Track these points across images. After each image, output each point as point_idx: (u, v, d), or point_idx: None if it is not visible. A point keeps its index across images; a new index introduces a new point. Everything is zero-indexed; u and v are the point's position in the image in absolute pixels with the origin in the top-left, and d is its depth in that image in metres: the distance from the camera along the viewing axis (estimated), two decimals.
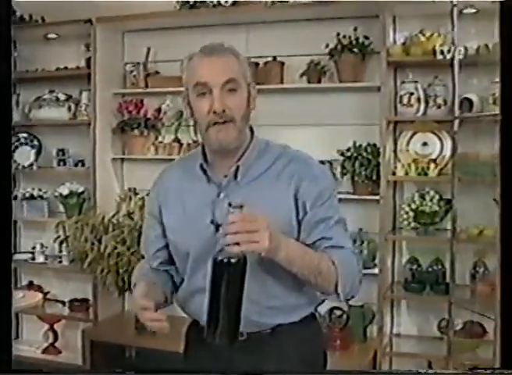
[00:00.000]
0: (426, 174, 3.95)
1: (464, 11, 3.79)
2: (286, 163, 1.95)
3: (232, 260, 1.67)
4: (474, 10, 3.82)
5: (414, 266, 4.07)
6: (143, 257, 2.21)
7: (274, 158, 1.97)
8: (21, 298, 3.14)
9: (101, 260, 4.08)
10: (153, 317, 1.79)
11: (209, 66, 1.88)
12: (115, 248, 4.04)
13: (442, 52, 3.79)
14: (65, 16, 4.50)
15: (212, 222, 1.92)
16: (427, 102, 3.97)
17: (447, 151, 3.99)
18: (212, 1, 4.19)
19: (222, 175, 1.96)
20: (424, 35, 3.92)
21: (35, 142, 4.80)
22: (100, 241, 4.16)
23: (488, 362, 3.80)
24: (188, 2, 4.21)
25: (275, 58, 4.24)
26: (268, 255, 1.72)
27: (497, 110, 3.73)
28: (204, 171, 1.98)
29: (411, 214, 3.96)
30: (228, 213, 1.67)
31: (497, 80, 3.77)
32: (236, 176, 1.94)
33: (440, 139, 4.02)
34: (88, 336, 4.31)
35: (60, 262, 4.70)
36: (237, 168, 1.94)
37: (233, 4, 4.16)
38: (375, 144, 4.07)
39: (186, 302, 2.05)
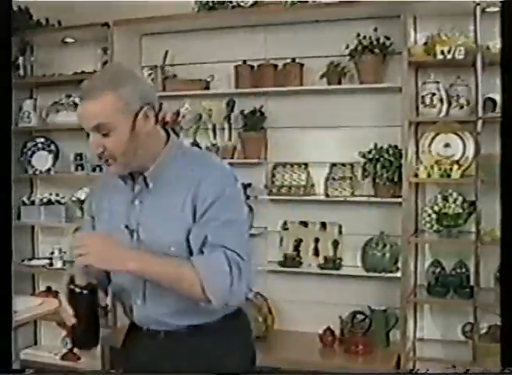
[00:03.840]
0: (449, 176, 3.88)
1: (487, 9, 3.73)
2: (194, 169, 1.98)
3: (85, 291, 1.90)
4: (496, 9, 3.75)
5: (438, 269, 4.01)
6: None
7: (186, 164, 2.01)
8: (39, 305, 3.10)
9: None
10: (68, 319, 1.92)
11: (81, 111, 1.91)
12: None
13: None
14: (81, 20, 4.48)
15: (127, 227, 2.03)
16: (449, 103, 3.92)
17: (470, 153, 3.92)
18: (231, 2, 4.14)
19: (136, 183, 2.04)
20: (445, 35, 3.86)
21: (52, 147, 4.78)
22: None
23: None
24: (207, 3, 4.16)
25: (294, 59, 4.19)
26: (111, 268, 1.91)
27: None
28: (123, 179, 2.05)
29: (434, 216, 3.90)
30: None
31: None
32: (147, 184, 2.01)
33: (463, 140, 3.96)
34: (107, 342, 4.27)
35: None
36: (145, 177, 2.00)
37: (252, 5, 4.12)
38: (396, 146, 4.02)
39: (121, 301, 2.16)
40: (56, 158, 4.76)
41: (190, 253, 1.94)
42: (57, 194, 4.73)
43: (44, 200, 4.70)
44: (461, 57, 3.70)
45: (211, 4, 4.18)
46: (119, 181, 2.04)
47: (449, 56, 3.71)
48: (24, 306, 3.02)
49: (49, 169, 4.73)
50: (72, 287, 1.90)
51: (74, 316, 1.89)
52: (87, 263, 1.82)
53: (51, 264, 4.71)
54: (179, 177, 1.98)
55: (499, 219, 3.65)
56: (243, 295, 1.97)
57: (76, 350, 4.70)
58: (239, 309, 2.13)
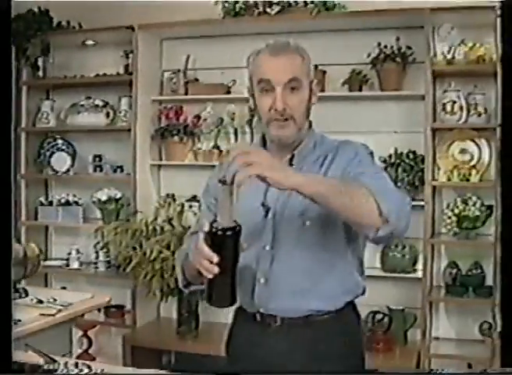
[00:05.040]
0: (468, 180, 4.05)
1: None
2: (335, 155, 2.04)
3: (228, 232, 1.74)
4: None
5: (454, 270, 4.17)
6: None
7: (327, 150, 2.07)
8: (91, 299, 3.15)
9: (145, 265, 4.12)
10: (209, 268, 1.76)
11: (274, 64, 1.96)
12: (161, 252, 4.07)
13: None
14: (101, 23, 4.55)
15: (263, 204, 2.04)
16: (468, 110, 4.09)
17: (485, 158, 4.11)
18: (258, 8, 4.24)
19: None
20: (466, 45, 4.03)
21: (70, 148, 4.81)
22: (141, 246, 4.20)
23: None
24: (234, 9, 4.26)
25: (316, 66, 4.31)
26: (278, 180, 1.69)
27: None
28: None
29: (454, 219, 4.05)
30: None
31: None
32: (291, 165, 2.04)
33: (478, 146, 4.13)
34: (129, 342, 4.32)
35: (96, 267, 4.71)
36: (292, 156, 2.06)
37: (278, 12, 4.22)
38: (414, 152, 4.18)
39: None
40: (73, 159, 4.79)
41: (325, 228, 1.97)
42: (74, 195, 4.77)
43: (62, 201, 4.73)
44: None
45: (237, 9, 4.28)
46: None
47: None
48: (78, 299, 3.06)
49: (68, 170, 4.76)
50: (214, 228, 1.75)
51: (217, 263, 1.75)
52: (255, 173, 1.66)
53: (67, 265, 4.74)
54: (321, 161, 2.04)
55: None
56: (408, 224, 1.86)
57: (91, 350, 4.75)
58: (354, 303, 2.16)
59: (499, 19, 3.86)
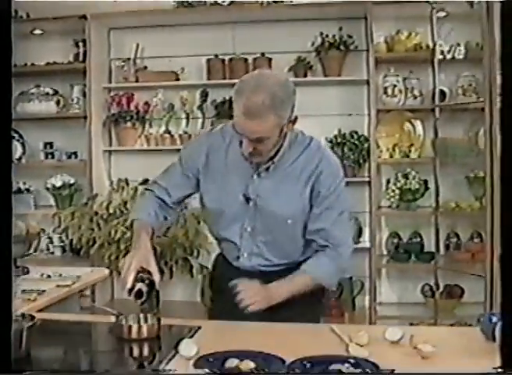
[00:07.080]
0: (408, 156, 4.47)
1: (437, 14, 4.36)
2: (311, 155, 2.31)
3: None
4: (444, 13, 4.38)
5: (396, 240, 4.59)
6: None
7: (302, 149, 2.33)
8: (91, 273, 3.27)
9: (109, 246, 4.26)
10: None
11: (246, 125, 2.13)
12: (125, 233, 4.22)
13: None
14: (46, 13, 4.60)
15: (244, 195, 2.33)
16: (406, 94, 4.50)
17: (420, 136, 4.54)
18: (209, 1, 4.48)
19: (260, 165, 2.32)
20: (403, 34, 4.44)
21: (19, 136, 4.82)
22: (99, 229, 4.34)
23: (465, 320, 4.37)
24: (187, 1, 4.46)
25: (263, 54, 4.59)
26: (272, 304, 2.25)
27: (465, 100, 4.36)
28: (246, 158, 2.31)
29: (397, 192, 4.44)
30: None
31: (466, 74, 4.42)
32: (268, 167, 2.31)
33: (413, 126, 4.56)
34: None
35: (51, 253, 4.77)
36: (273, 163, 2.31)
37: (229, 4, 4.47)
38: (356, 132, 4.54)
39: (221, 242, 2.51)
40: (24, 146, 4.82)
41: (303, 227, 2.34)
42: (24, 183, 4.81)
43: (13, 189, 4.74)
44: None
45: (190, 1, 4.48)
46: (241, 157, 2.29)
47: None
48: (80, 273, 3.17)
49: (20, 158, 4.78)
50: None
51: None
52: (258, 308, 2.18)
53: None
54: (297, 162, 2.30)
55: (449, 193, 4.35)
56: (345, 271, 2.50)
57: None
58: None
59: (434, 11, 4.36)
